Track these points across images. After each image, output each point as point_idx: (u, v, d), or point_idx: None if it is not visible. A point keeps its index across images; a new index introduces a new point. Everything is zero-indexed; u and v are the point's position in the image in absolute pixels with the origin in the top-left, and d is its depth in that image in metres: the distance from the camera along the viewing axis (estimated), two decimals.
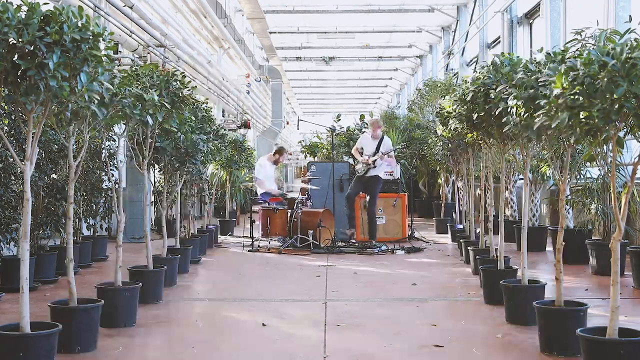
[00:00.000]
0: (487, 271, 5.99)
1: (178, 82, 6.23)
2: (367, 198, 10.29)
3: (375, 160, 10.01)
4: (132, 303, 5.29)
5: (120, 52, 10.70)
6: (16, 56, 3.70)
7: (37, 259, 6.85)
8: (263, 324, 5.25)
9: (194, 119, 6.98)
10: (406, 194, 11.65)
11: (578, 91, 3.49)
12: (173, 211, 13.06)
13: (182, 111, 6.29)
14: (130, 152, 6.16)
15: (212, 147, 7.82)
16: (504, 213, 11.04)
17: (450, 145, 9.26)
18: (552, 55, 4.35)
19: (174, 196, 7.89)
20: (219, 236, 11.59)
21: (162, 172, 7.49)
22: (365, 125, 14.47)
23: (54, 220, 7.18)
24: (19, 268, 3.97)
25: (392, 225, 11.19)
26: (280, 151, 11.81)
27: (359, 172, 10.21)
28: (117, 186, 9.15)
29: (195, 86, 9.79)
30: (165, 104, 5.68)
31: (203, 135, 7.30)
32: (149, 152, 6.15)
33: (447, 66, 21.19)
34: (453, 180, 12.64)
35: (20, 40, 3.67)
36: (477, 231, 8.71)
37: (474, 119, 5.79)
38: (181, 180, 7.76)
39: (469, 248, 7.83)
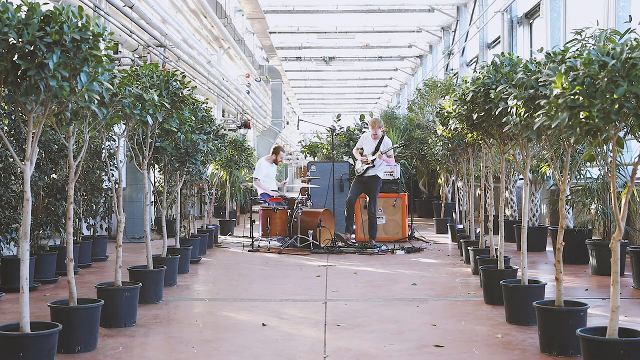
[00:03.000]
0: (487, 271, 6.00)
1: (178, 82, 6.23)
2: (367, 198, 10.29)
3: (374, 159, 10.01)
4: (132, 303, 5.29)
5: (120, 52, 10.71)
6: (16, 56, 3.70)
7: (37, 259, 6.85)
8: (263, 324, 5.25)
9: (194, 119, 6.99)
10: (406, 194, 11.65)
11: (578, 91, 3.49)
12: (173, 211, 13.08)
13: (182, 111, 6.29)
14: (131, 152, 6.16)
15: (212, 147, 7.83)
16: (504, 213, 11.03)
17: (450, 145, 9.26)
18: (552, 55, 4.35)
19: (174, 196, 7.89)
20: (219, 236, 11.59)
21: (161, 172, 7.49)
22: (365, 125, 14.49)
23: (54, 220, 7.18)
24: (19, 268, 3.97)
25: (392, 225, 11.19)
26: (277, 150, 11.80)
27: (358, 171, 10.22)
28: (117, 186, 9.19)
29: (195, 86, 9.79)
30: (166, 104, 5.68)
31: (203, 135, 7.30)
32: (149, 152, 6.15)
33: (447, 66, 21.19)
34: (453, 180, 12.65)
35: (20, 40, 3.67)
36: (477, 231, 8.71)
37: (474, 119, 5.79)
38: (181, 180, 7.76)
39: (469, 248, 7.83)
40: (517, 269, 5.92)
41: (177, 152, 6.97)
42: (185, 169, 7.34)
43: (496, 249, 6.39)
